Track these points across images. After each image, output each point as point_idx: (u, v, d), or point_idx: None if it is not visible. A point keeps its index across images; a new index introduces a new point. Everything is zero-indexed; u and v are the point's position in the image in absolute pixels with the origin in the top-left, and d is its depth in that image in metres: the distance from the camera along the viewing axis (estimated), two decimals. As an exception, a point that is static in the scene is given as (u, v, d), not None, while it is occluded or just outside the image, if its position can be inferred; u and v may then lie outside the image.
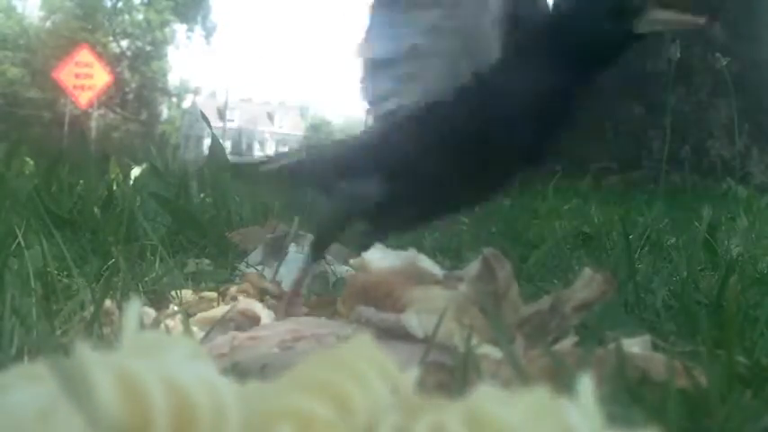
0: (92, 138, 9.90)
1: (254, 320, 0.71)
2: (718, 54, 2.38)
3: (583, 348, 0.52)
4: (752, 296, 0.88)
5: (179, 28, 27.86)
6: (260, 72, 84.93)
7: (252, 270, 0.99)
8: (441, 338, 0.55)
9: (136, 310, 0.30)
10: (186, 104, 34.38)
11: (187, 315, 0.72)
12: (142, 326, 0.30)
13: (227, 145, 36.83)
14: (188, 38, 28.13)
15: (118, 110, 24.99)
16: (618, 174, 4.75)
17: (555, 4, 0.94)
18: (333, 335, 0.58)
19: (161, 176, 1.97)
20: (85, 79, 10.50)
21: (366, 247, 0.73)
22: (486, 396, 0.28)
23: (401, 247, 0.74)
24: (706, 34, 4.58)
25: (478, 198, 0.88)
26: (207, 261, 1.12)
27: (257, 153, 40.95)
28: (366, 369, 0.29)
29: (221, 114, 38.67)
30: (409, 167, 0.76)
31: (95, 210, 1.47)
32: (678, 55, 2.49)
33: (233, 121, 43.07)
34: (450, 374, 0.47)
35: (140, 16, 26.65)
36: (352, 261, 0.97)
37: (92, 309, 0.68)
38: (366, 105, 0.85)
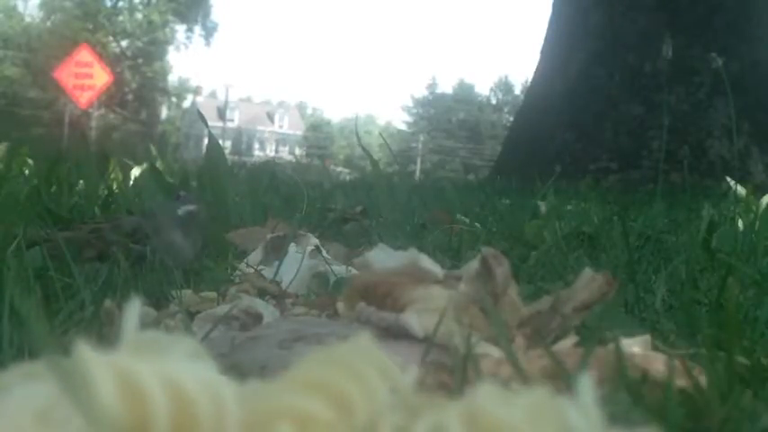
0: (92, 138, 9.92)
1: (256, 319, 0.71)
2: (713, 54, 2.38)
3: (583, 348, 0.52)
4: (752, 296, 0.88)
5: (179, 28, 27.88)
6: (260, 72, 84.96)
7: (252, 270, 0.99)
8: (441, 338, 0.55)
9: (136, 310, 0.30)
10: (186, 104, 34.41)
11: (187, 315, 0.72)
12: (142, 326, 0.30)
13: (227, 144, 36.86)
14: (188, 38, 28.12)
15: (118, 110, 25.00)
16: (617, 174, 4.75)
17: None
18: (333, 335, 0.58)
19: (161, 176, 1.97)
20: (85, 79, 10.50)
21: None
22: (486, 396, 0.28)
23: (402, 246, 0.74)
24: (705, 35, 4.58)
25: None
26: (207, 261, 1.12)
27: (257, 153, 40.99)
28: (366, 369, 0.29)
29: (221, 114, 38.67)
30: None
31: (95, 210, 1.47)
32: (670, 54, 2.49)
33: (233, 120, 43.06)
34: (450, 374, 0.47)
35: (140, 16, 26.65)
36: (353, 260, 0.97)
37: (92, 309, 0.68)
38: None
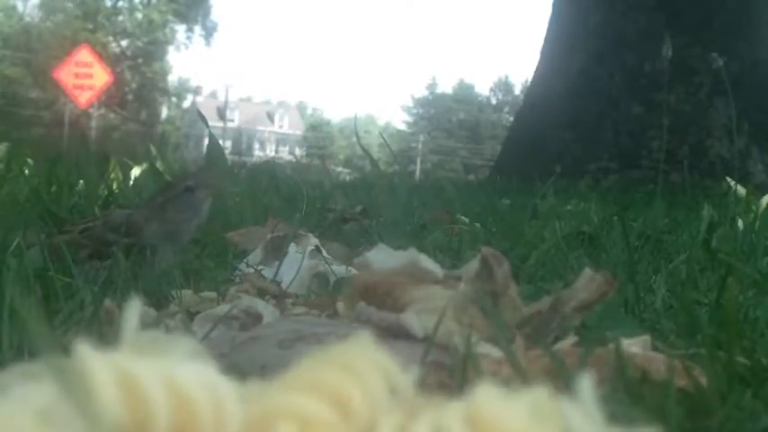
0: (92, 138, 9.92)
1: (256, 319, 0.71)
2: (714, 54, 2.38)
3: (583, 348, 0.52)
4: (752, 296, 0.88)
5: (179, 28, 27.88)
6: (260, 72, 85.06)
7: (252, 270, 0.99)
8: (441, 338, 0.55)
9: (136, 310, 0.30)
10: (186, 104, 34.42)
11: (187, 315, 0.72)
12: (142, 326, 0.30)
13: (227, 144, 36.86)
14: (188, 38, 28.11)
15: (118, 110, 25.01)
16: (617, 173, 4.76)
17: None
18: (333, 335, 0.58)
19: (161, 176, 1.97)
20: (85, 79, 10.49)
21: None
22: (486, 396, 0.28)
23: (402, 246, 0.74)
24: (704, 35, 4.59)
25: None
26: (207, 261, 1.12)
27: (257, 153, 41.01)
28: (366, 369, 0.29)
29: (221, 114, 38.67)
30: None
31: (95, 210, 1.47)
32: (670, 53, 2.48)
33: (233, 120, 43.07)
34: (450, 374, 0.47)
35: (140, 16, 26.65)
36: (353, 260, 0.97)
37: (92, 309, 0.68)
38: None
